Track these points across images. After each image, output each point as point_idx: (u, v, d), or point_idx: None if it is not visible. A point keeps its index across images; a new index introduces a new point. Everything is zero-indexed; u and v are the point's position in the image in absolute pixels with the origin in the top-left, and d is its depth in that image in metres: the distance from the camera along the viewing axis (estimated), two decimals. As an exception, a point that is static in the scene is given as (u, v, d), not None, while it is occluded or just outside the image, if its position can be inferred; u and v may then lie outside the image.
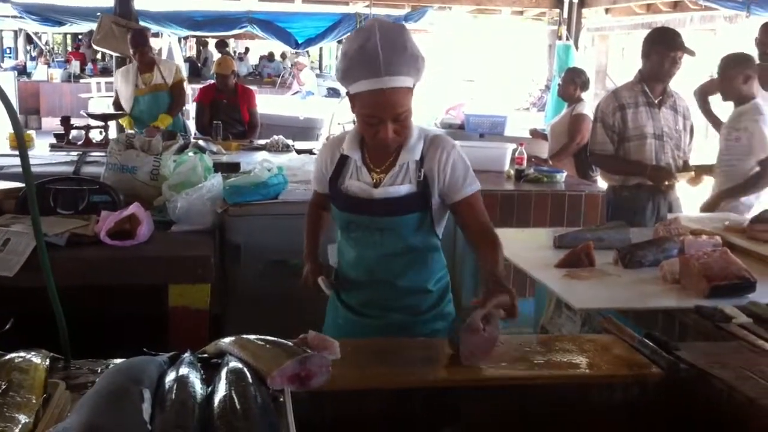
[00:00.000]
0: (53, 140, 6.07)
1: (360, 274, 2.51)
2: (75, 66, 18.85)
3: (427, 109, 10.55)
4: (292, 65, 19.50)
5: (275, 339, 1.69)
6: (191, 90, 10.76)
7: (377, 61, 2.11)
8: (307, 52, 19.46)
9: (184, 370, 1.57)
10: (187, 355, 1.71)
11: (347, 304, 2.59)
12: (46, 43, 22.62)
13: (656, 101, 4.26)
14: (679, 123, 4.33)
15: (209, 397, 1.46)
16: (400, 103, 2.17)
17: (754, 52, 4.73)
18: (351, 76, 2.19)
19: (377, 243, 2.41)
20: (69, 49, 22.30)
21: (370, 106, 2.19)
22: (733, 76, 4.25)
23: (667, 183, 4.26)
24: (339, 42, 10.25)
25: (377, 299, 2.49)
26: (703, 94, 5.45)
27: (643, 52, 4.26)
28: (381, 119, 2.20)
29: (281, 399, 1.52)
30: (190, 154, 4.35)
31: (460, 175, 2.34)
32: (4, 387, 1.47)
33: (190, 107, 8.32)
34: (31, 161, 1.70)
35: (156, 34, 11.08)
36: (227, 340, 1.75)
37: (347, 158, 2.42)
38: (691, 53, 4.14)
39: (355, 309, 2.55)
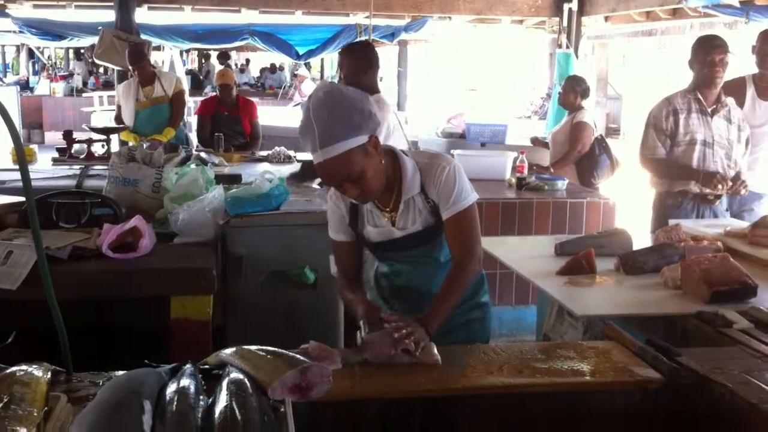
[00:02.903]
0: (56, 154, 6.09)
1: (399, 283, 2.63)
2: (77, 80, 18.92)
3: (429, 119, 10.58)
4: (293, 77, 19.53)
5: (276, 349, 1.69)
6: (193, 103, 10.80)
7: (313, 137, 2.15)
8: (309, 63, 19.49)
9: (184, 382, 1.58)
10: (188, 367, 1.71)
11: (389, 303, 2.68)
12: (49, 58, 22.70)
13: (709, 109, 4.24)
14: (732, 133, 4.29)
15: (210, 408, 1.47)
16: (343, 169, 2.19)
17: (752, 59, 4.74)
18: (305, 149, 2.26)
19: (410, 261, 2.56)
20: (71, 63, 22.35)
21: (321, 176, 2.32)
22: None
23: (717, 190, 4.18)
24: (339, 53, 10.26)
25: (412, 307, 2.50)
26: None
27: (689, 62, 4.30)
28: (335, 183, 2.29)
29: (282, 409, 1.52)
30: (192, 166, 4.36)
31: (446, 194, 2.40)
32: (5, 400, 1.47)
33: (192, 119, 8.34)
34: (34, 175, 1.71)
35: (158, 47, 11.11)
36: (228, 351, 1.75)
37: (358, 205, 2.50)
38: (727, 51, 4.14)
39: (395, 307, 2.63)
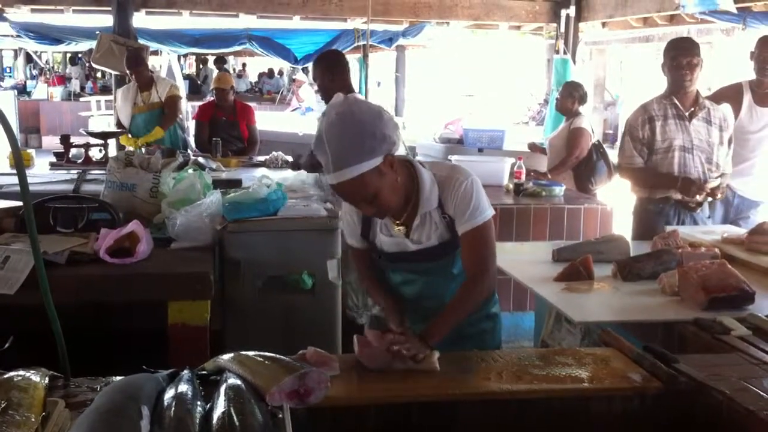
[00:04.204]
0: (53, 159, 6.09)
1: (410, 293, 2.60)
2: (75, 85, 18.91)
3: (426, 124, 10.59)
4: (291, 82, 19.54)
5: (274, 355, 1.69)
6: (191, 107, 10.79)
7: (327, 159, 2.16)
8: (306, 68, 19.51)
9: (182, 387, 1.58)
10: (185, 372, 1.71)
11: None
12: (47, 62, 22.69)
13: (687, 113, 4.18)
14: (713, 135, 4.20)
15: (208, 413, 1.47)
16: (357, 191, 2.20)
17: (749, 65, 4.74)
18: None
19: (423, 273, 2.54)
20: (67, 68, 22.36)
21: (337, 195, 2.30)
22: None
23: (697, 197, 4.13)
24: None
25: (426, 313, 2.50)
26: None
27: (661, 66, 4.26)
28: (352, 203, 2.32)
29: (280, 415, 1.52)
30: (190, 171, 4.36)
31: (462, 209, 2.38)
32: (3, 406, 1.47)
33: (190, 124, 8.34)
34: (31, 180, 1.72)
35: (155, 52, 11.12)
36: (226, 356, 1.75)
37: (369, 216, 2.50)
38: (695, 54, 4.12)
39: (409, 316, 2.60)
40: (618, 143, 4.69)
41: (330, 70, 4.75)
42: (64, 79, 19.84)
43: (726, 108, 4.36)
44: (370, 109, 2.22)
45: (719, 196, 4.23)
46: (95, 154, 6.10)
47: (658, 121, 4.17)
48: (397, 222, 2.45)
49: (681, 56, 4.10)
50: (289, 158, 6.44)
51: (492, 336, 2.68)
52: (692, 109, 4.19)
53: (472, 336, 2.55)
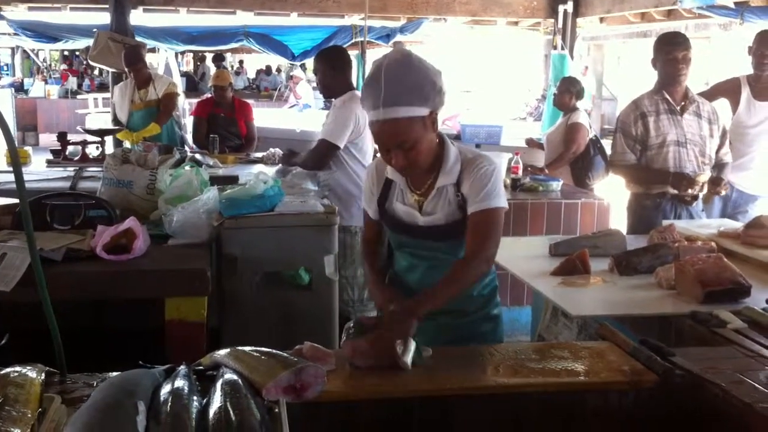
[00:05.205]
0: (50, 156, 6.08)
1: (413, 280, 2.58)
2: (72, 82, 18.90)
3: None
4: (288, 78, 19.54)
5: (270, 350, 1.70)
6: (188, 105, 10.77)
7: (379, 94, 2.18)
8: (304, 65, 19.49)
9: (179, 383, 1.58)
10: (182, 368, 1.71)
11: None
12: (44, 60, 22.68)
13: (678, 108, 4.18)
14: (704, 128, 4.21)
15: (204, 409, 1.47)
16: (399, 133, 2.22)
17: (747, 60, 4.75)
18: (364, 106, 2.30)
19: (428, 256, 2.52)
20: (60, 66, 22.37)
21: (374, 134, 2.31)
22: None
23: (690, 191, 4.14)
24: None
25: None
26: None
27: (652, 61, 4.24)
28: (386, 148, 2.29)
29: (276, 410, 1.53)
30: (186, 168, 4.36)
31: (475, 191, 2.37)
32: (-1, 401, 1.47)
33: (188, 121, 8.33)
34: (28, 177, 1.71)
35: (153, 49, 11.11)
36: (222, 352, 1.75)
37: (392, 182, 2.51)
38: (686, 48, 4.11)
39: None
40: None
41: (332, 66, 4.74)
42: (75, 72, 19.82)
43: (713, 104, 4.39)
44: (432, 64, 2.28)
45: (722, 192, 4.24)
46: (92, 151, 6.09)
47: (650, 117, 4.16)
48: (417, 192, 2.46)
49: (676, 51, 4.09)
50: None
51: (493, 338, 2.65)
52: (683, 103, 4.19)
53: (474, 337, 2.53)
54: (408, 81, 2.20)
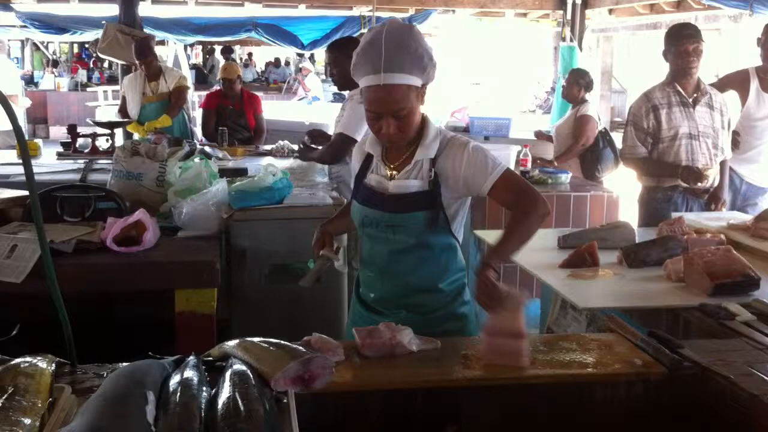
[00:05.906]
0: (60, 149, 6.11)
1: (373, 270, 2.55)
2: (82, 74, 18.93)
3: (432, 112, 10.56)
4: (297, 71, 19.52)
5: (278, 341, 1.70)
6: (197, 97, 10.79)
7: (379, 57, 2.20)
8: (313, 57, 19.46)
9: (188, 373, 1.59)
10: (191, 358, 1.72)
11: (363, 300, 2.63)
12: (54, 53, 22.71)
13: (690, 100, 4.16)
14: (716, 120, 4.19)
15: (213, 399, 1.47)
16: (397, 99, 2.24)
17: (757, 52, 4.72)
18: (358, 71, 2.30)
19: (389, 240, 2.44)
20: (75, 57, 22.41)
21: (370, 100, 2.30)
22: None
23: (699, 184, 4.12)
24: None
25: (389, 296, 2.51)
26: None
27: (663, 53, 4.22)
28: (380, 114, 2.28)
29: (285, 401, 1.53)
30: (196, 160, 4.37)
31: (479, 168, 2.35)
32: (10, 391, 1.48)
33: (197, 114, 8.35)
34: (39, 169, 1.72)
35: (161, 42, 11.12)
36: (231, 342, 1.76)
37: (371, 156, 2.51)
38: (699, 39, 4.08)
39: (369, 305, 2.58)
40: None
41: (348, 55, 4.58)
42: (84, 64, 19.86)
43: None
44: (428, 42, 2.33)
45: (722, 210, 4.27)
46: (102, 143, 6.11)
47: (662, 110, 4.14)
48: (390, 165, 2.45)
49: (687, 42, 4.07)
50: (296, 147, 6.42)
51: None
52: (695, 95, 4.17)
53: (437, 336, 2.26)
54: (408, 50, 2.22)
